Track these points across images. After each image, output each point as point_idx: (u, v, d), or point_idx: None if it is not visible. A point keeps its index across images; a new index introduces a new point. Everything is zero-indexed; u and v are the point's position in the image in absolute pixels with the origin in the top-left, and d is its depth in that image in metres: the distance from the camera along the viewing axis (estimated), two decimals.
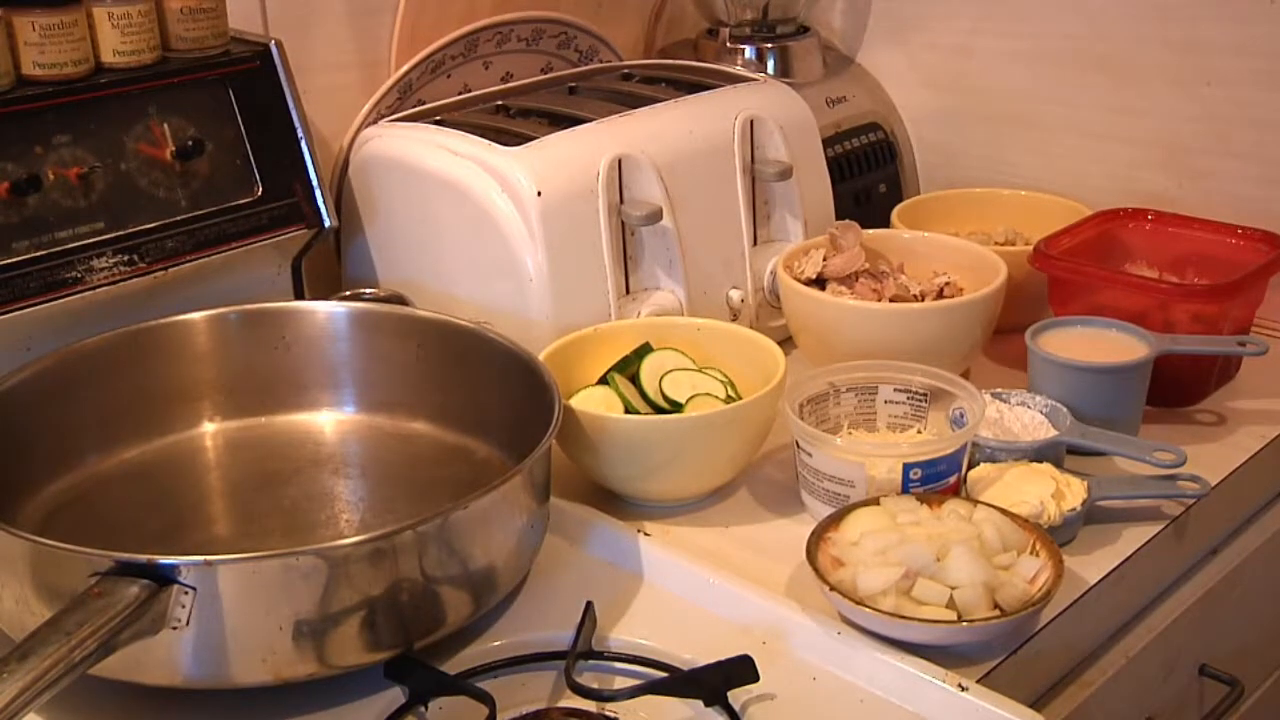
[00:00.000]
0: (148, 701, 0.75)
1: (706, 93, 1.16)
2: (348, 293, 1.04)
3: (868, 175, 1.37)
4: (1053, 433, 0.96)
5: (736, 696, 0.74)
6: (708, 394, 0.95)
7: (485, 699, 0.72)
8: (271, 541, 0.86)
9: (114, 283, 0.94)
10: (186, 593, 0.69)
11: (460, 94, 1.20)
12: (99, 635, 0.65)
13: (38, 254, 0.91)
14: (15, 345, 0.91)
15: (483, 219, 1.02)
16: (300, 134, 1.04)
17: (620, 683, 0.77)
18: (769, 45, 1.37)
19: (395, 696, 0.75)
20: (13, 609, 0.74)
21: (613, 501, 0.94)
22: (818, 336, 1.08)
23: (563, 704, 0.75)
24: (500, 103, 1.16)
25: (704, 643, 0.78)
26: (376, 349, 0.98)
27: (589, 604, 0.80)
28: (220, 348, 0.96)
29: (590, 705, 0.74)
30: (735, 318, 1.12)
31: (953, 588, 0.78)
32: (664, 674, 0.76)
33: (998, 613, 0.78)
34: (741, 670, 0.73)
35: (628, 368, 0.97)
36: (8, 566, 0.72)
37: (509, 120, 1.12)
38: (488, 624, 0.81)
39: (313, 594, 0.71)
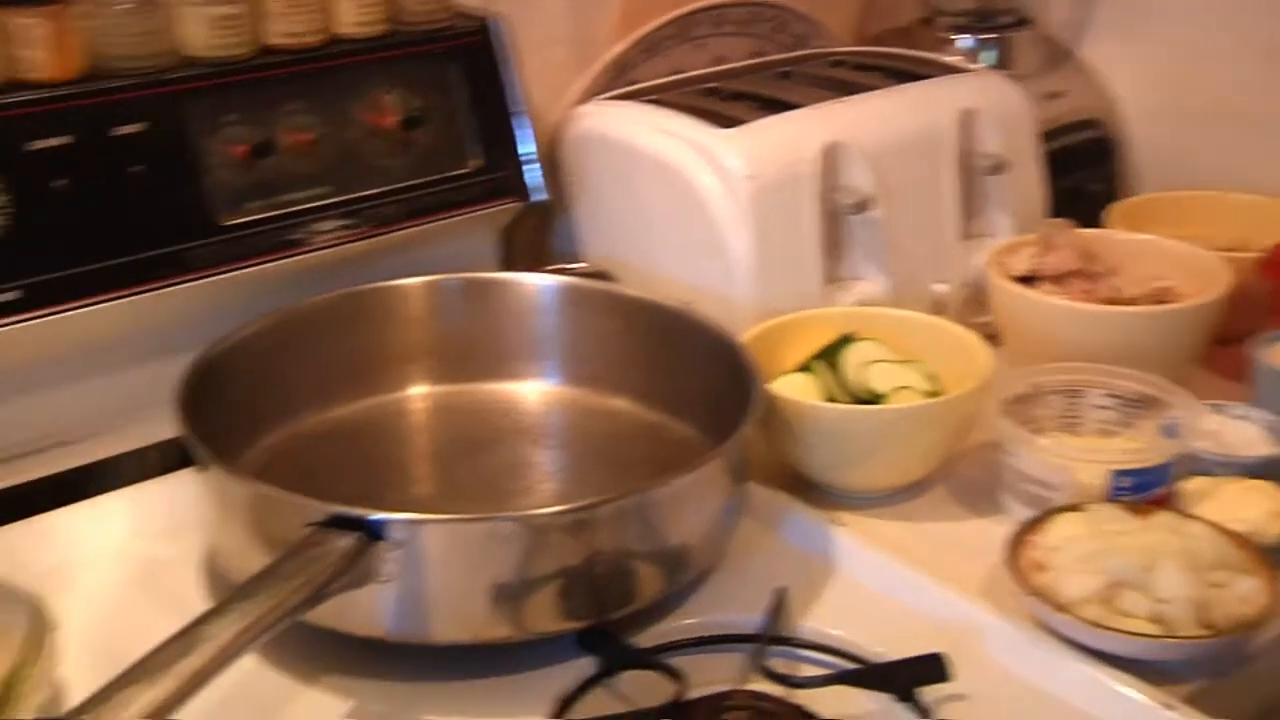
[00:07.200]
0: (343, 650, 0.76)
1: (922, 82, 1.14)
2: (553, 267, 1.06)
3: (1082, 173, 1.33)
4: (1276, 449, 0.92)
5: (927, 694, 0.73)
6: (909, 387, 0.93)
7: (677, 675, 0.73)
8: (469, 506, 0.87)
9: (335, 245, 0.97)
10: (394, 549, 0.71)
11: (673, 75, 1.21)
12: (313, 583, 0.67)
13: (269, 214, 0.95)
14: (242, 302, 0.94)
15: (692, 199, 1.02)
16: (518, 109, 1.06)
17: (806, 670, 0.77)
18: (986, 35, 1.33)
19: (586, 666, 0.76)
20: (230, 548, 0.77)
21: (807, 489, 0.93)
22: (1025, 335, 1.05)
23: (749, 687, 0.75)
24: (712, 85, 1.16)
25: (895, 637, 0.77)
26: (583, 323, 0.99)
27: (782, 590, 0.80)
28: (432, 313, 0.99)
29: (778, 690, 0.74)
30: (940, 311, 1.10)
31: (1160, 601, 0.76)
32: (854, 665, 0.76)
33: (1208, 631, 0.75)
34: (933, 668, 0.72)
35: (830, 355, 0.97)
36: (230, 510, 0.76)
37: (720, 102, 1.12)
38: (678, 602, 0.81)
39: (512, 559, 0.72)
